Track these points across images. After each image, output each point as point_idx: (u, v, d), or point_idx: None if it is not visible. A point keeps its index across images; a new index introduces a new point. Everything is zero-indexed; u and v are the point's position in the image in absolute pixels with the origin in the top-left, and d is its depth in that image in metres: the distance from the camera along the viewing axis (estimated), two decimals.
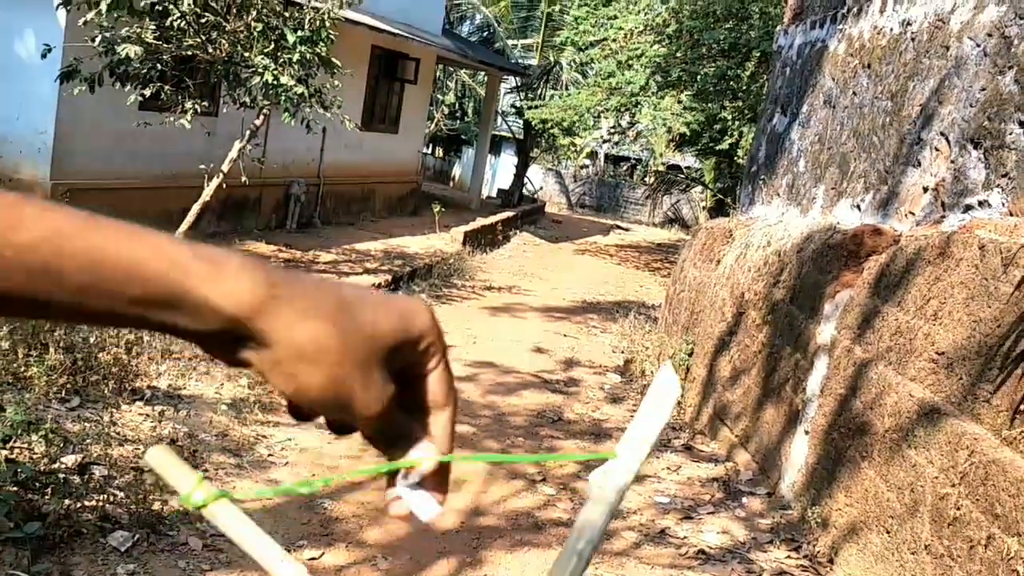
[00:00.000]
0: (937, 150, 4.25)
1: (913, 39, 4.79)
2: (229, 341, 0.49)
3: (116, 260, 0.45)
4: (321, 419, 0.53)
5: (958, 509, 3.07)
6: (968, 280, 3.38)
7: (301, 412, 0.53)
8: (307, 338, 0.48)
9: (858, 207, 5.09)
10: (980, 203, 3.75)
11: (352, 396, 0.49)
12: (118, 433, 4.14)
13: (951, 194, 4.02)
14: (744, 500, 4.72)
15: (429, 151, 27.37)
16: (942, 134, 4.22)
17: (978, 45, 4.04)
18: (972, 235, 3.47)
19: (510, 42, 22.53)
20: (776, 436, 4.84)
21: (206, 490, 0.48)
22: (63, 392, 4.41)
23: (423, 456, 0.53)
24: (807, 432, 4.49)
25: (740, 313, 5.74)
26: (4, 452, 3.12)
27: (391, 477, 0.55)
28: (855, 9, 5.74)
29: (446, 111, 27.04)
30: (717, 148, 14.49)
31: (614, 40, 12.48)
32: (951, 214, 3.97)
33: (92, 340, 4.84)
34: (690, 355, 6.49)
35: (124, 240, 0.46)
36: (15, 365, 4.42)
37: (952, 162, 4.06)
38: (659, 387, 0.52)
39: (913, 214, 4.37)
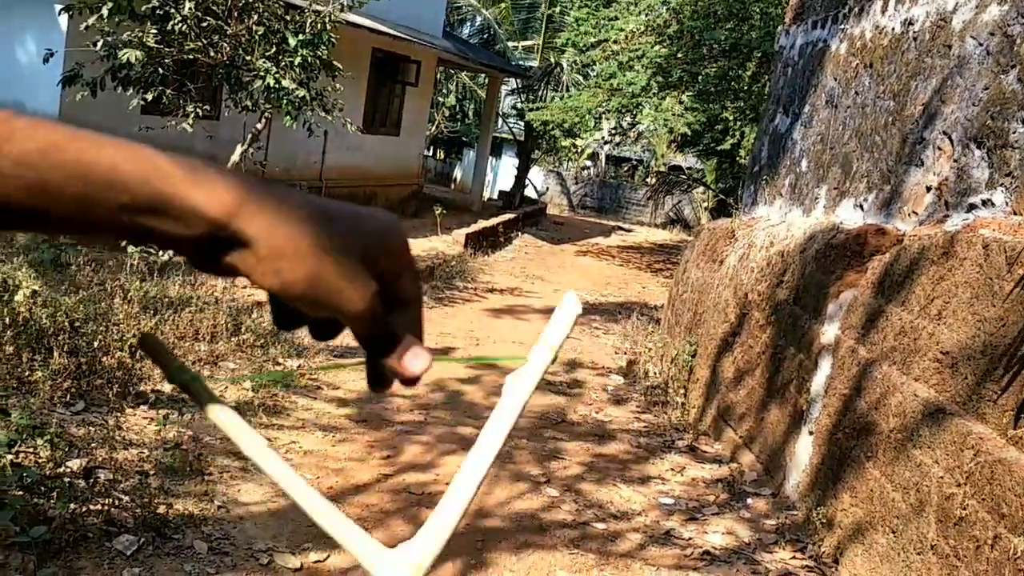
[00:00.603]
0: (940, 149, 4.24)
1: (915, 38, 4.79)
2: (214, 247, 0.51)
3: (105, 169, 0.47)
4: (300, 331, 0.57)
5: (964, 509, 3.07)
6: (972, 279, 3.38)
7: (289, 318, 0.56)
8: (285, 235, 0.50)
9: (861, 207, 5.09)
10: (984, 202, 3.75)
11: (338, 291, 0.51)
12: (123, 437, 4.14)
13: (954, 193, 4.01)
14: (749, 501, 4.71)
15: (430, 153, 27.40)
16: (945, 133, 4.22)
17: (981, 44, 4.04)
18: (976, 234, 3.46)
19: (511, 44, 22.54)
20: (780, 437, 4.84)
21: (185, 370, 0.55)
22: (68, 396, 4.42)
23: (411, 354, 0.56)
24: (811, 433, 4.49)
25: (743, 314, 5.74)
26: (10, 457, 3.12)
27: (372, 362, 0.58)
28: (856, 9, 5.74)
29: (447, 113, 27.05)
30: (719, 148, 14.50)
31: (615, 41, 12.48)
32: (954, 213, 3.96)
33: (96, 344, 4.85)
34: (693, 356, 6.48)
35: (110, 150, 0.48)
36: (19, 369, 4.42)
37: (955, 161, 4.06)
38: (564, 306, 0.60)
39: (916, 213, 4.37)
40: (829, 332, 4.55)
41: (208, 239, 0.50)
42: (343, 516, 0.54)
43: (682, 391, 6.44)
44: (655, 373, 6.92)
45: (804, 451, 4.54)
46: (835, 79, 5.93)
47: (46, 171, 0.46)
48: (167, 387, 4.95)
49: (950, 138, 4.16)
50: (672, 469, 5.14)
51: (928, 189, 4.29)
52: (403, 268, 0.56)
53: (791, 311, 5.06)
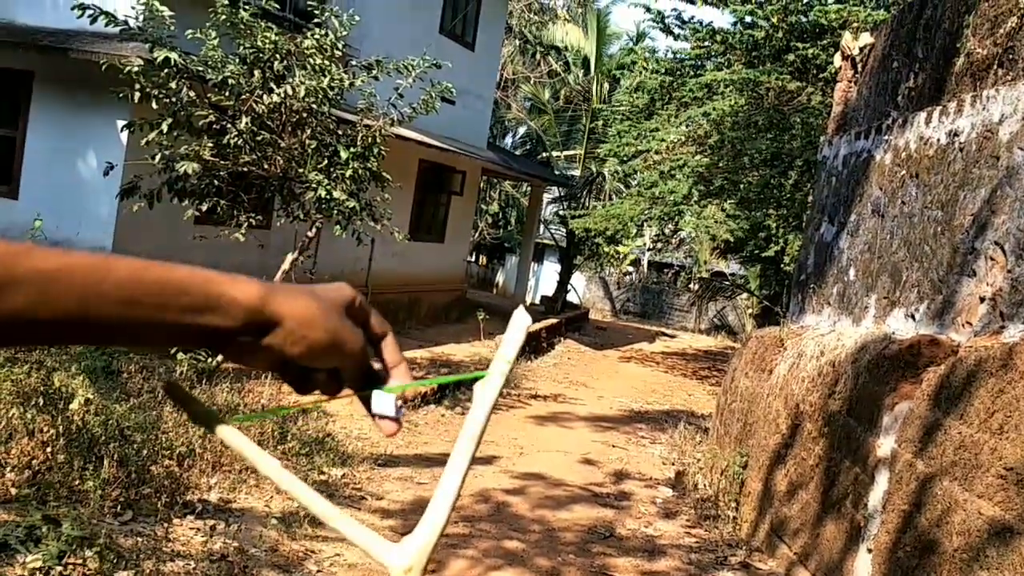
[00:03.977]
0: (992, 259, 4.21)
1: (961, 149, 4.80)
2: (251, 334, 0.66)
3: (177, 280, 0.64)
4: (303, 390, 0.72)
5: None
6: None
7: (304, 383, 0.72)
8: (302, 308, 0.67)
9: (912, 316, 5.03)
10: None
11: (344, 341, 0.69)
12: (170, 548, 4.11)
13: (1010, 304, 3.96)
14: None
15: (473, 259, 27.71)
16: (997, 243, 4.19)
17: None
18: None
19: (554, 153, 22.99)
20: (837, 554, 4.68)
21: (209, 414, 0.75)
22: (117, 506, 4.42)
23: (393, 387, 0.74)
24: (870, 550, 4.34)
25: (795, 425, 5.63)
26: (59, 568, 3.11)
27: (367, 405, 0.74)
28: (900, 120, 5.79)
29: (490, 220, 27.45)
30: (762, 255, 14.48)
31: (656, 152, 12.66)
32: (1011, 324, 3.90)
33: (145, 452, 4.87)
34: (744, 468, 6.34)
35: (171, 270, 0.65)
36: (71, 478, 4.45)
37: (1009, 272, 4.01)
38: (515, 322, 0.71)
39: (971, 324, 4.31)
40: (885, 445, 4.44)
41: (246, 327, 0.66)
42: (350, 518, 0.69)
43: (733, 504, 6.28)
44: (705, 485, 6.77)
45: (863, 569, 4.38)
46: (881, 189, 5.94)
47: (135, 288, 0.62)
48: (214, 496, 4.94)
49: (1002, 248, 4.12)
50: None
51: (982, 299, 4.24)
52: (369, 315, 0.73)
53: (845, 423, 4.96)
